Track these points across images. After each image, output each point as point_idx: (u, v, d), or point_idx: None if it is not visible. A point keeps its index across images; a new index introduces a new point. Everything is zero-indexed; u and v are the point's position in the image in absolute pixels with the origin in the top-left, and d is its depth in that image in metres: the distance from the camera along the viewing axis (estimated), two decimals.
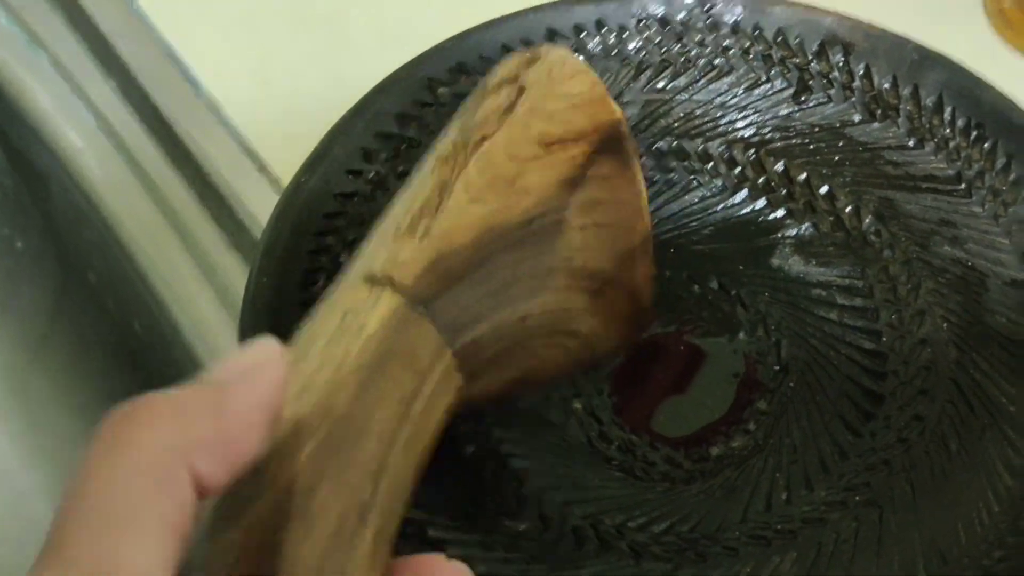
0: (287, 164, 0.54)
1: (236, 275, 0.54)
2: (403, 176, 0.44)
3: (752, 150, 0.47)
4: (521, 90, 0.37)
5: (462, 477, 0.40)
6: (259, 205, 0.54)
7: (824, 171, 0.46)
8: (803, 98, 0.47)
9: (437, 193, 0.34)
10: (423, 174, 0.36)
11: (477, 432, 0.41)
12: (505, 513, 0.39)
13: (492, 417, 0.42)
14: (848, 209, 0.46)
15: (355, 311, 0.31)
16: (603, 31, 0.48)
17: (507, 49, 0.47)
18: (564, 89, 0.36)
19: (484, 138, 0.35)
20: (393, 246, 0.33)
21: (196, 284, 0.55)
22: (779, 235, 0.46)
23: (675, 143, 0.47)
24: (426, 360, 0.32)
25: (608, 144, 0.35)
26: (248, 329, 0.40)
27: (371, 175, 0.44)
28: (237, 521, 0.26)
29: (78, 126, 0.60)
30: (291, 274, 0.41)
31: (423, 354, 0.32)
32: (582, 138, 0.35)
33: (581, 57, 0.38)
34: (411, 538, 0.36)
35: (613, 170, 0.35)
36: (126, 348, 0.63)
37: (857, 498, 0.39)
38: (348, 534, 0.27)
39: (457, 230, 0.33)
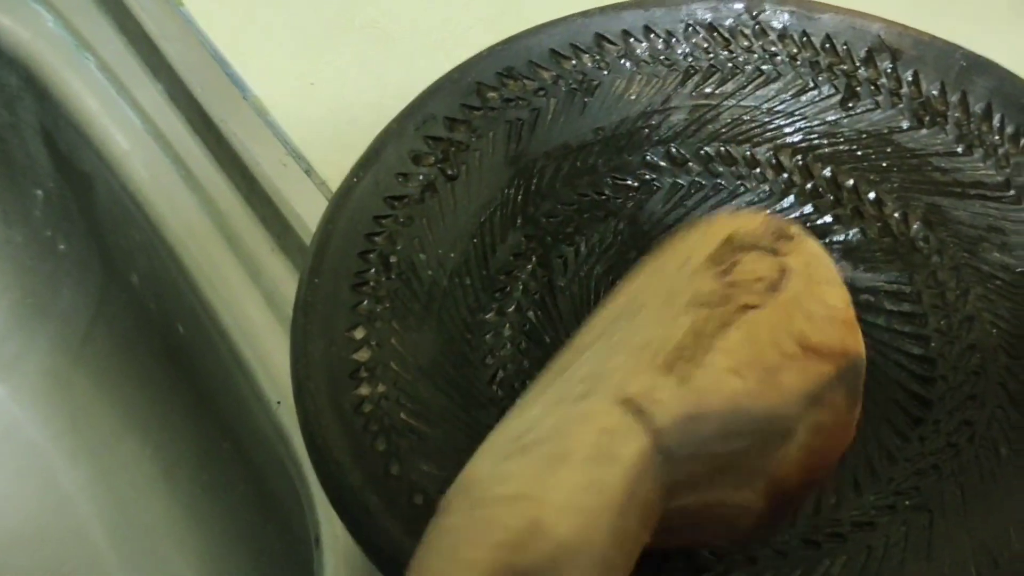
0: (333, 166, 0.55)
1: (283, 277, 0.54)
2: (452, 179, 0.45)
3: (799, 156, 0.47)
4: (784, 271, 0.35)
5: None
6: (306, 207, 0.54)
7: (872, 177, 0.46)
8: (851, 104, 0.47)
9: (692, 340, 0.33)
10: (665, 304, 0.34)
11: None
12: None
13: None
14: (896, 215, 0.46)
15: (610, 433, 0.30)
16: (651, 37, 0.48)
17: (555, 54, 0.47)
18: (822, 295, 0.35)
19: (748, 307, 0.34)
20: (649, 377, 0.32)
21: (242, 286, 0.55)
22: (826, 240, 0.46)
23: (722, 148, 0.47)
24: (650, 516, 0.30)
25: (849, 375, 0.34)
26: (300, 332, 0.40)
27: (420, 178, 0.45)
28: None
29: (125, 129, 0.61)
30: (342, 276, 0.42)
31: (650, 507, 0.30)
32: (832, 357, 0.34)
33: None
34: None
35: (844, 402, 0.34)
36: (169, 350, 0.64)
37: (907, 502, 0.39)
38: None
39: (713, 394, 0.32)
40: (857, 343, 0.35)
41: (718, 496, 0.33)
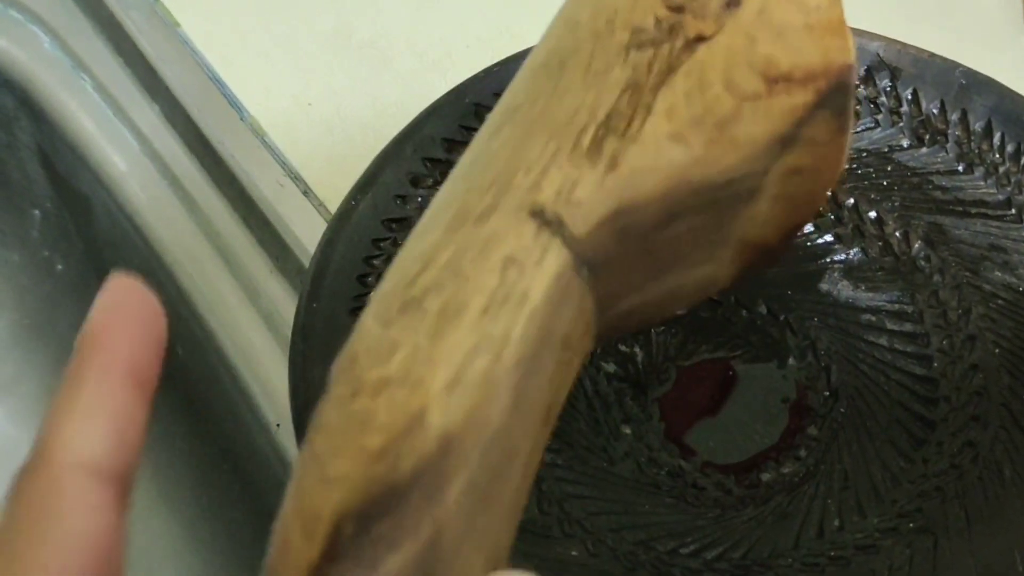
0: (331, 187, 0.54)
1: (281, 299, 0.54)
2: None
3: None
4: None
5: None
6: (304, 228, 0.54)
7: (872, 196, 0.46)
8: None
9: (628, 101, 0.26)
10: (599, 49, 0.27)
11: None
12: (555, 538, 0.39)
13: None
14: (897, 234, 0.45)
15: (519, 263, 0.24)
16: None
17: None
18: None
19: (700, 38, 0.27)
20: (568, 169, 0.26)
21: (240, 308, 0.55)
22: (827, 260, 0.46)
23: None
24: (576, 344, 0.26)
25: (835, 96, 0.27)
26: (299, 357, 0.40)
27: (419, 200, 0.44)
28: (373, 571, 0.22)
29: (122, 150, 0.61)
30: (341, 300, 0.41)
31: (575, 337, 0.25)
32: (810, 81, 0.27)
33: None
34: None
35: (829, 130, 0.28)
36: (168, 372, 0.63)
37: (910, 525, 0.39)
38: None
39: (649, 174, 0.26)
40: (844, 51, 0.28)
41: (671, 284, 0.28)
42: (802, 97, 0.27)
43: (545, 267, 0.24)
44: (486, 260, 0.24)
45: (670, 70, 0.27)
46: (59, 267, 0.71)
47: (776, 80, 0.27)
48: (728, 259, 0.28)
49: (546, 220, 0.25)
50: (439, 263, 0.24)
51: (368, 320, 0.25)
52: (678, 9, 0.27)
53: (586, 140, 0.26)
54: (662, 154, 0.26)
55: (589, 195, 0.25)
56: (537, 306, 0.24)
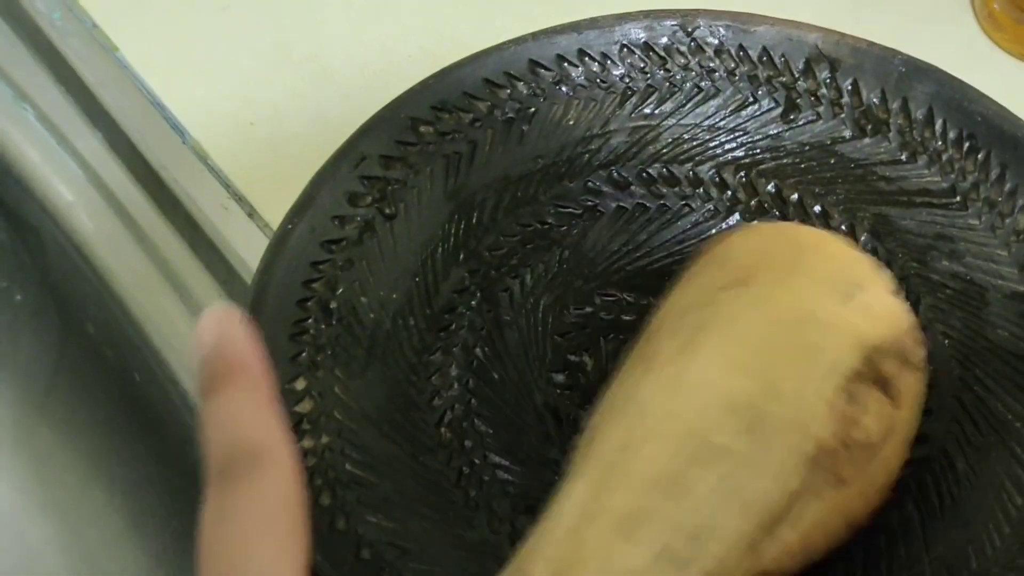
0: (277, 208, 0.53)
1: None
2: (390, 218, 0.44)
3: (743, 172, 0.47)
4: (888, 434, 0.36)
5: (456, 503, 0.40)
6: (250, 251, 0.53)
7: (817, 190, 0.46)
8: (791, 117, 0.47)
9: (785, 504, 0.34)
10: (794, 428, 0.34)
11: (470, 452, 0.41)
12: (508, 559, 0.39)
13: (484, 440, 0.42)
14: (843, 227, 0.45)
15: None
16: (585, 60, 0.47)
17: (490, 83, 0.47)
18: (890, 460, 0.37)
19: (841, 481, 0.35)
20: (740, 559, 0.33)
21: (190, 333, 0.54)
22: None
23: (664, 169, 0.47)
24: None
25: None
26: None
27: (357, 219, 0.44)
28: None
29: (67, 180, 0.60)
30: (280, 326, 0.41)
31: None
32: (854, 527, 0.36)
33: None
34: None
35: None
36: (128, 398, 0.63)
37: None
38: None
39: None
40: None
41: None
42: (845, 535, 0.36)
43: None
44: None
45: (817, 495, 0.34)
46: (18, 297, 0.71)
47: (850, 525, 0.36)
48: None
49: None
50: None
51: None
52: (846, 445, 0.35)
53: (758, 536, 0.33)
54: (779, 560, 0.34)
55: None
56: None
